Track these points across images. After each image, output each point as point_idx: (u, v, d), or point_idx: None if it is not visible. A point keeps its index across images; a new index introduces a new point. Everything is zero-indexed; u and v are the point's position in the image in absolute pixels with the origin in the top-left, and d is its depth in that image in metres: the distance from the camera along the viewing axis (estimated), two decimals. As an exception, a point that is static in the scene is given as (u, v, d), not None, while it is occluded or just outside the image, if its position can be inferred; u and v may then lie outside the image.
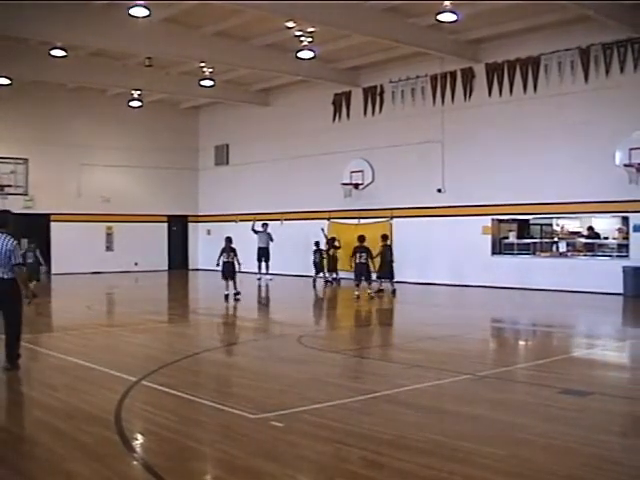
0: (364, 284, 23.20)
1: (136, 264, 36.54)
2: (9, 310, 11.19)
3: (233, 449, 7.35)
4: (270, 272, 30.67)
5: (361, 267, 23.05)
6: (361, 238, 23.57)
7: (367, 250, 23.26)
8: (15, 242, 11.10)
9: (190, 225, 40.85)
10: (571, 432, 7.82)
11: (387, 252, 24.39)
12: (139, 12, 21.51)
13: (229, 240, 23.13)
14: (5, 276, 10.99)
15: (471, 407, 9.07)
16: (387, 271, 24.34)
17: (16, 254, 11.06)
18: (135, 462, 7.07)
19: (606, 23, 23.06)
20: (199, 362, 12.68)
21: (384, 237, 25.01)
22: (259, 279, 30.60)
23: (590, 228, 26.09)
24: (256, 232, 31.18)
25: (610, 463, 6.91)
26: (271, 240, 31.37)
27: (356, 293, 22.71)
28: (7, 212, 11.78)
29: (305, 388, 10.29)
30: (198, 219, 40.70)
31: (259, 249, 31.32)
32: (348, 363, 13.06)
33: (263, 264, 31.10)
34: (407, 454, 7.12)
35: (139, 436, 7.97)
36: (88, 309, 21.20)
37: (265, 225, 31.54)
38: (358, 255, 23.06)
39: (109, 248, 37.01)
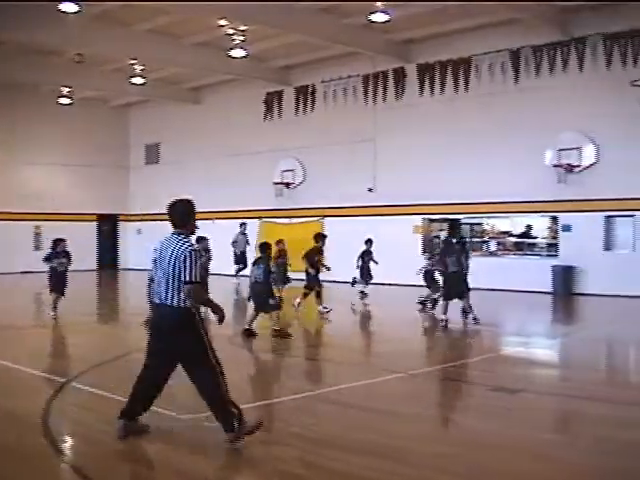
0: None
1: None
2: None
3: (166, 450, 7.30)
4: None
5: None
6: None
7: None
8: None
9: (120, 224, 40.40)
10: (502, 429, 7.93)
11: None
12: (69, 8, 21.18)
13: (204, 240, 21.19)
14: (169, 302, 7.44)
15: (406, 406, 9.12)
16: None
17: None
18: (63, 464, 6.97)
19: (536, 26, 23.51)
20: (129, 363, 12.49)
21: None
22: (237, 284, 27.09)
23: (528, 227, 26.41)
24: (234, 243, 28.58)
25: (541, 459, 7.02)
26: (248, 244, 28.86)
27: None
28: None
29: (238, 388, 10.23)
30: (128, 218, 40.24)
31: (237, 255, 28.94)
32: (282, 363, 13.05)
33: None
34: (344, 454, 7.13)
35: (67, 438, 7.86)
36: (15, 309, 20.83)
37: (243, 225, 29.45)
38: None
39: (37, 247, 36.34)
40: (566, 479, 6.62)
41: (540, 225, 26.24)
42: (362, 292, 21.63)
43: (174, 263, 7.32)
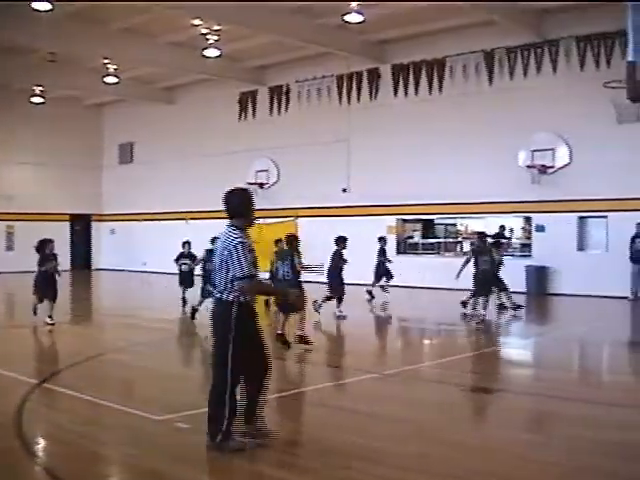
0: None
1: (38, 264, 35.72)
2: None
3: (138, 451, 7.26)
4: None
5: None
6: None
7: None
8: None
9: (93, 224, 40.16)
10: (478, 429, 7.95)
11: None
12: (42, 6, 21.01)
13: (188, 244, 21.30)
14: (218, 295, 7.27)
15: (381, 406, 9.12)
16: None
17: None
18: (37, 467, 6.91)
19: (510, 28, 23.69)
20: (103, 363, 12.46)
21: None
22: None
23: (502, 227, 26.48)
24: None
25: (517, 458, 7.06)
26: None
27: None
28: None
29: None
30: (102, 218, 40.02)
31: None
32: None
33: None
34: (318, 454, 7.11)
35: (40, 440, 7.79)
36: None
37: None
38: None
39: (10, 248, 36.11)
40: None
41: (514, 225, 26.35)
42: (370, 292, 21.99)
43: (222, 256, 7.10)
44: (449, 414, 8.72)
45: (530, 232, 24.84)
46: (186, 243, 21.30)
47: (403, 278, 24.84)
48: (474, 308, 17.39)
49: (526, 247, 25.17)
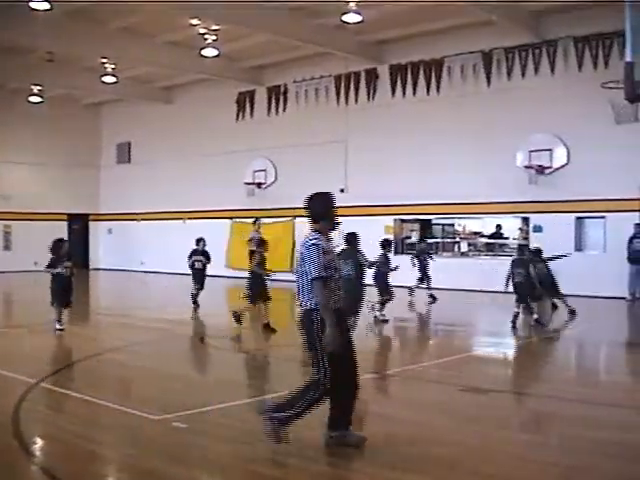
0: None
1: (35, 263, 35.38)
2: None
3: (136, 451, 7.26)
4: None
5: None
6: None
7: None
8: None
9: (91, 224, 40.08)
10: (474, 429, 7.94)
11: None
12: (41, 5, 20.98)
13: (202, 242, 20.53)
14: (300, 301, 7.18)
15: (379, 406, 9.13)
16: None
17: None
18: (34, 467, 6.90)
19: (508, 28, 23.68)
20: (101, 363, 12.45)
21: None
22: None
23: (498, 226, 26.47)
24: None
25: (517, 459, 7.06)
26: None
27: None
28: None
29: (208, 388, 10.21)
30: (99, 218, 39.98)
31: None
32: (252, 363, 13.02)
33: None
34: (314, 454, 7.11)
35: (38, 440, 7.79)
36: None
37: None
38: None
39: (7, 247, 36.08)
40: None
41: (511, 226, 26.35)
42: (432, 296, 21.59)
43: (300, 262, 7.04)
44: (444, 414, 8.72)
45: (528, 233, 24.83)
46: (200, 240, 20.63)
47: (401, 278, 24.83)
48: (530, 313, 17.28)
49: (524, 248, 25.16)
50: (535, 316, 16.69)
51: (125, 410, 8.64)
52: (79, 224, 39.28)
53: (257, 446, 7.22)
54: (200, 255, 20.26)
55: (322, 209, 7.43)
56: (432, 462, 6.94)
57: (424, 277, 22.25)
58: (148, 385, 10.62)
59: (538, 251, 19.13)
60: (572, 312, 18.52)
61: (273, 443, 7.04)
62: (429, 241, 26.49)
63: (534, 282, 17.29)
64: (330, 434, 7.17)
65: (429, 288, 21.90)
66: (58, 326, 15.25)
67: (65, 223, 38.13)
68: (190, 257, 20.36)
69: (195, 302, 19.96)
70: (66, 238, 16.97)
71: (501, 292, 17.41)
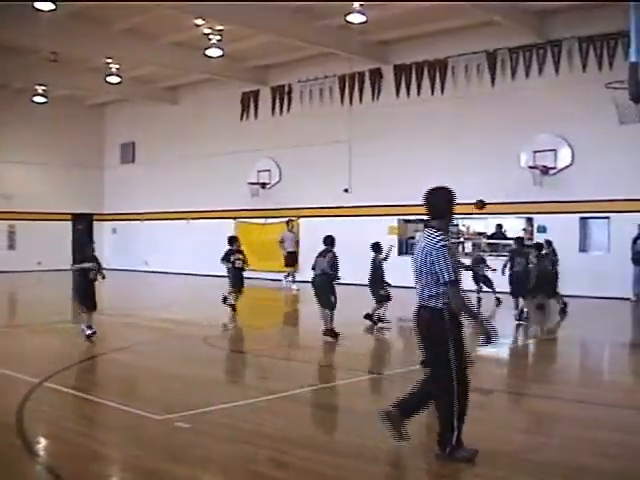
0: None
1: (39, 263, 35.68)
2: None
3: (139, 451, 7.26)
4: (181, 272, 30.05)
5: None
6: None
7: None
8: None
9: (95, 224, 40.07)
10: (475, 429, 7.92)
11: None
12: (45, 6, 21.00)
13: (237, 240, 19.76)
14: (420, 302, 7.03)
15: (379, 406, 9.11)
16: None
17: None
18: (38, 466, 6.92)
19: (512, 28, 23.65)
20: (104, 363, 12.48)
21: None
22: None
23: (499, 226, 26.43)
24: None
25: (517, 459, 7.04)
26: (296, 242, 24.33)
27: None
28: None
29: (211, 388, 10.21)
30: (103, 217, 40.00)
31: (286, 256, 27.51)
32: (254, 363, 13.02)
33: None
34: (315, 454, 7.12)
35: (42, 439, 7.80)
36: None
37: (290, 222, 24.36)
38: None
39: (11, 247, 36.10)
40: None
41: (515, 226, 26.28)
42: (497, 299, 21.33)
43: (423, 260, 6.73)
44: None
45: (532, 233, 24.79)
46: (233, 238, 19.74)
47: (404, 278, 24.80)
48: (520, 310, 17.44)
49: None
50: (518, 311, 17.13)
51: (128, 410, 8.65)
52: (83, 224, 39.30)
53: (261, 447, 7.23)
54: (239, 253, 19.20)
55: (444, 205, 6.89)
56: (432, 461, 6.94)
57: (485, 285, 21.75)
58: (151, 385, 10.63)
59: (548, 243, 20.10)
60: (563, 310, 18.66)
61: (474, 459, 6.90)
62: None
63: (531, 274, 17.64)
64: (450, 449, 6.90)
65: (494, 292, 21.65)
66: (89, 332, 14.48)
67: (69, 223, 38.19)
68: (227, 257, 19.09)
69: (233, 306, 18.95)
70: (89, 238, 16.40)
71: (505, 293, 17.44)
